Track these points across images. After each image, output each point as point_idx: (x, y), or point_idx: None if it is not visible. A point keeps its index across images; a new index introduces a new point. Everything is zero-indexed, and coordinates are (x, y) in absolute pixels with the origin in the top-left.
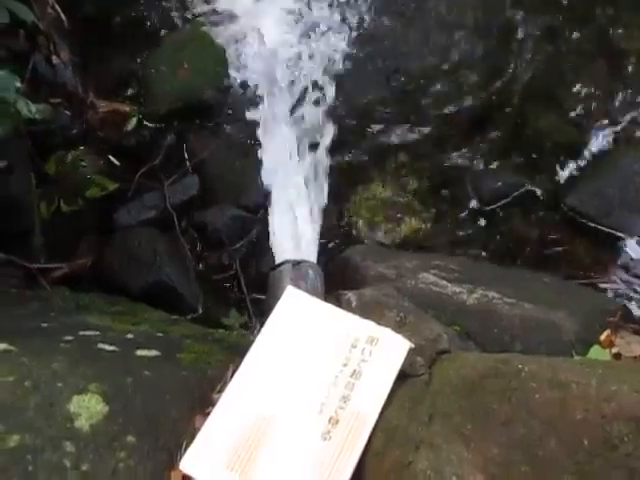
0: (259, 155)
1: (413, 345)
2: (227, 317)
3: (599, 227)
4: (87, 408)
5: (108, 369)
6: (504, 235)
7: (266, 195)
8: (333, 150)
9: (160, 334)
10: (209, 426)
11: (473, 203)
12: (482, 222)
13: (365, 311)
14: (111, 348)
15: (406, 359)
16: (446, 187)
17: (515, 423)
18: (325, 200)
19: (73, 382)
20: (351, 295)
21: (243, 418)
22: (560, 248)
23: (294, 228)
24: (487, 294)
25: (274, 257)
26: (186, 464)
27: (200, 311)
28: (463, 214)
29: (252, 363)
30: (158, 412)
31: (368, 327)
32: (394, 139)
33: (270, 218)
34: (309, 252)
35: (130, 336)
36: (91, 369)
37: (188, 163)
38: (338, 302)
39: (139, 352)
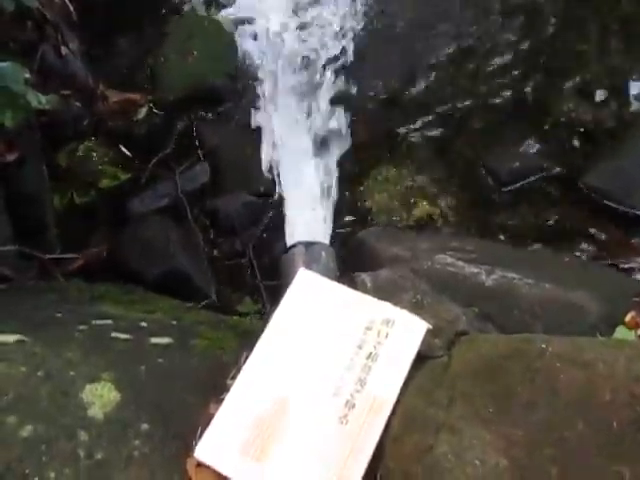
0: (271, 140)
1: (430, 326)
2: (241, 304)
3: (620, 207)
4: (100, 396)
5: (121, 357)
6: (522, 217)
7: (278, 179)
8: (345, 134)
9: (174, 322)
10: (223, 412)
11: (490, 185)
12: (499, 204)
13: (380, 293)
14: (124, 336)
15: (423, 341)
16: (462, 169)
17: (539, 405)
18: (338, 183)
19: (86, 371)
20: (366, 277)
21: (257, 403)
22: (580, 229)
23: (306, 211)
24: (506, 275)
25: (286, 240)
26: (201, 451)
27: (214, 298)
28: (479, 196)
29: (265, 347)
30: (172, 399)
31: (384, 308)
32: (408, 121)
33: (282, 202)
34: (322, 234)
35: (143, 324)
36: (104, 358)
37: (199, 151)
38: (352, 284)
39: (152, 340)
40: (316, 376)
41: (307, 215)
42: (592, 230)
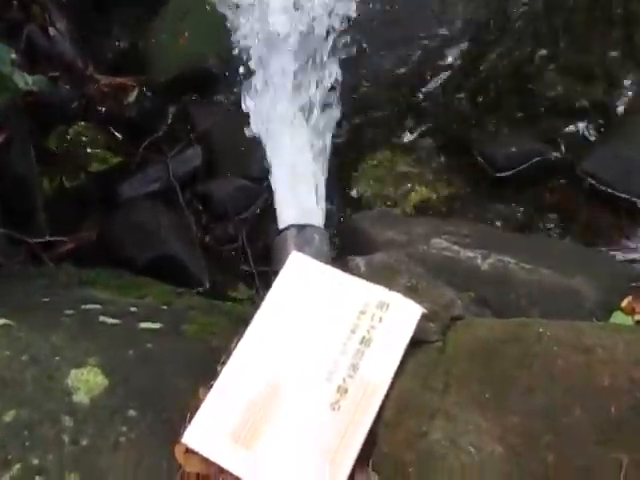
0: (263, 122)
1: (425, 310)
2: (235, 290)
3: (617, 193)
4: (86, 381)
5: (109, 342)
6: (518, 202)
7: (270, 162)
8: (339, 118)
9: (164, 307)
10: (212, 398)
11: (486, 170)
12: (496, 190)
13: (374, 277)
14: (113, 321)
15: (418, 325)
16: (458, 155)
17: (536, 390)
18: (331, 167)
19: (72, 356)
20: (359, 260)
21: (247, 388)
22: (577, 215)
23: (298, 194)
24: (502, 259)
25: (278, 223)
26: (189, 438)
27: (207, 284)
28: (476, 182)
29: (256, 332)
30: (161, 385)
31: (377, 292)
32: (403, 106)
33: (274, 185)
34: (315, 218)
35: (133, 309)
36: (91, 342)
37: (191, 134)
38: (346, 268)
39: (142, 325)
40: (308, 361)
41: (299, 198)
42: (589, 216)
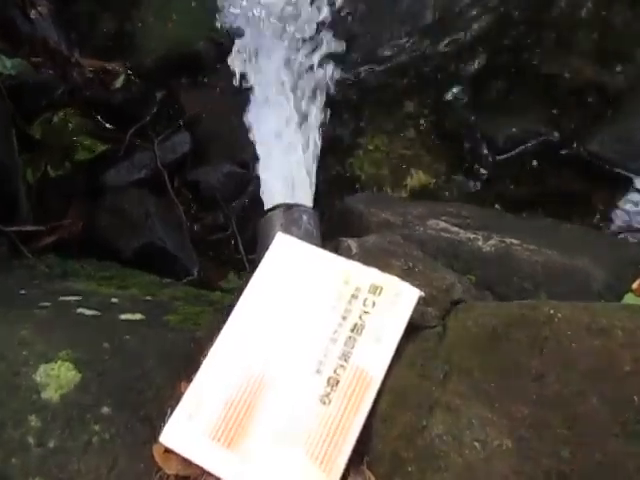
0: (253, 106)
1: (423, 294)
2: (225, 280)
3: (622, 173)
4: (56, 377)
5: (84, 335)
6: (520, 184)
7: (259, 145)
8: (333, 100)
9: (148, 297)
10: (191, 393)
11: (486, 152)
12: (496, 172)
13: (367, 259)
14: (91, 313)
15: (415, 310)
16: (457, 137)
17: (548, 378)
18: (325, 151)
19: (42, 350)
20: (351, 242)
21: (230, 382)
22: (581, 197)
23: (288, 174)
24: (505, 240)
25: (264, 205)
26: (166, 437)
27: (196, 274)
28: (476, 164)
29: (238, 320)
30: (139, 379)
31: (371, 275)
32: (400, 88)
33: (261, 165)
34: (303, 197)
35: (115, 300)
36: (64, 335)
37: (180, 120)
38: (336, 250)
39: (122, 316)
40: (295, 351)
41: (287, 177)
42: (593, 197)
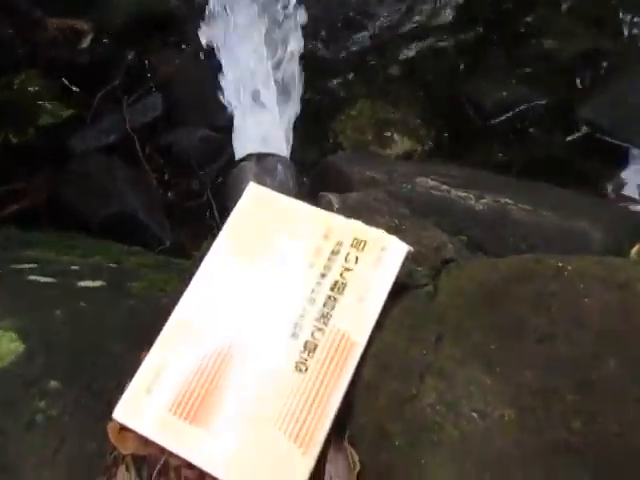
0: (228, 66)
1: (412, 248)
2: (199, 249)
3: (616, 141)
4: None
5: (33, 302)
6: (510, 151)
7: (233, 101)
8: (312, 62)
9: (113, 265)
10: (150, 363)
11: (474, 117)
12: (485, 138)
13: (350, 217)
14: (45, 280)
15: (402, 269)
16: (443, 101)
17: (557, 338)
18: (303, 115)
19: None
20: (332, 197)
21: (194, 350)
22: (573, 164)
23: (260, 118)
24: (498, 199)
25: (234, 154)
26: (120, 412)
27: (168, 244)
28: (463, 130)
29: (204, 280)
30: (94, 349)
31: (354, 228)
32: (384, 52)
33: (230, 107)
34: (279, 146)
35: (75, 267)
36: (9, 303)
37: (151, 81)
38: (316, 206)
39: (81, 283)
40: (268, 314)
41: (261, 123)
42: (586, 165)
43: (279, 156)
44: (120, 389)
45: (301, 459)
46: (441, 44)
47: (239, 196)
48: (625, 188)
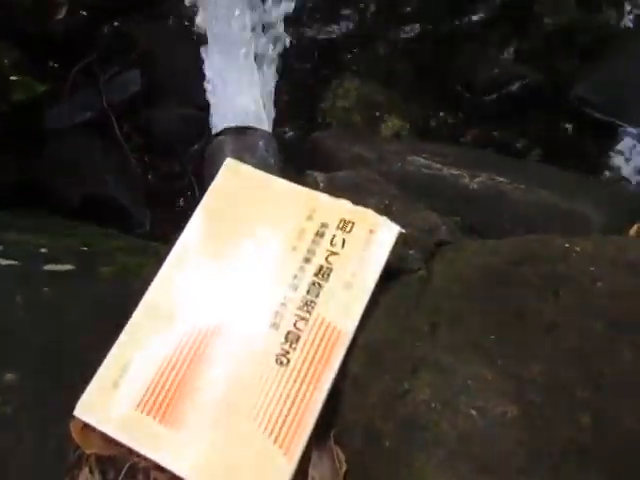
0: (212, 40)
1: (403, 230)
2: (180, 232)
3: (611, 120)
4: None
5: None
6: (502, 130)
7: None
8: (298, 40)
9: (84, 248)
10: (116, 355)
11: (466, 95)
12: (476, 116)
13: (337, 197)
14: (7, 262)
15: (393, 252)
16: (433, 79)
17: (565, 327)
18: (288, 94)
19: None
20: (318, 175)
21: (165, 340)
22: (567, 144)
23: (239, 90)
24: (493, 178)
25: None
26: (83, 409)
27: (148, 227)
28: (454, 108)
29: (177, 265)
30: (58, 339)
31: (340, 208)
32: (372, 28)
33: (213, 91)
34: (259, 121)
35: (43, 250)
36: None
37: (130, 55)
38: (300, 184)
39: (47, 267)
40: (246, 301)
41: (240, 95)
42: (581, 145)
43: (261, 130)
44: (85, 383)
45: (282, 460)
46: (431, 22)
47: (216, 174)
48: (620, 168)
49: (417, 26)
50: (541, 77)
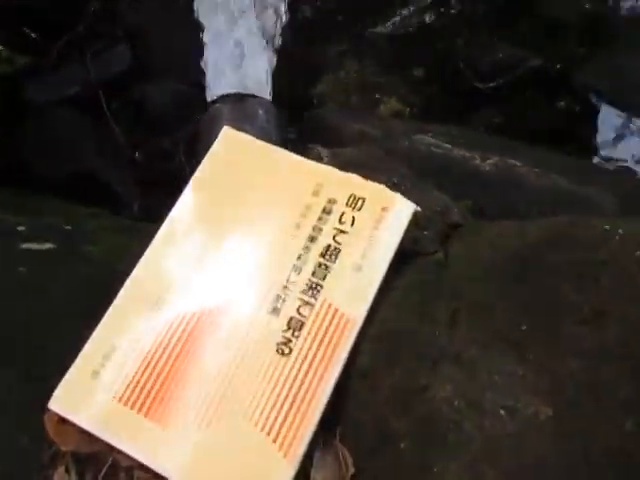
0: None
1: (419, 208)
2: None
3: (616, 107)
4: None
5: None
6: (505, 115)
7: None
8: (297, 21)
9: (68, 227)
10: (96, 342)
11: (468, 80)
12: (479, 101)
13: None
14: None
15: (406, 234)
16: (435, 63)
17: (609, 317)
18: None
19: None
20: (322, 150)
21: (152, 326)
22: (572, 131)
23: (237, 54)
24: (506, 160)
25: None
26: (58, 401)
27: (136, 208)
28: (456, 93)
29: (169, 240)
30: (33, 324)
31: (350, 183)
32: (374, 11)
33: (209, 60)
34: (259, 87)
35: (21, 228)
36: None
37: (118, 29)
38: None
39: (25, 245)
40: (244, 284)
41: (238, 60)
42: (584, 132)
43: (260, 98)
44: (64, 372)
45: (281, 462)
46: (433, 6)
47: (211, 145)
48: (624, 155)
49: (419, 9)
50: (544, 62)
